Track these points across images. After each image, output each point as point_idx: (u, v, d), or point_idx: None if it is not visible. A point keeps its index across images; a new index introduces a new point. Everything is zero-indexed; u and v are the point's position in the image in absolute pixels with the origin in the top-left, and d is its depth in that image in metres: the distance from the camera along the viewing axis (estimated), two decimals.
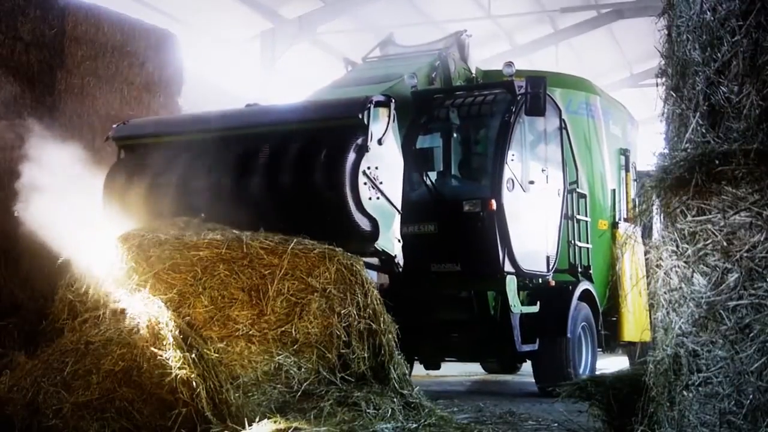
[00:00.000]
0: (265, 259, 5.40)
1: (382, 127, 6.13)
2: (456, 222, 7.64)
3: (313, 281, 5.31)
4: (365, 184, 5.88)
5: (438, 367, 9.24)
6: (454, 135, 8.03)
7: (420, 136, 8.15)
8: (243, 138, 6.37)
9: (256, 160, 6.16)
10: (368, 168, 5.91)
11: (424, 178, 7.62)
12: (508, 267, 7.65)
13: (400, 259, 6.22)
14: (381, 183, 6.03)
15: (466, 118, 8.12)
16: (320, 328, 5.26)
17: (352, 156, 5.85)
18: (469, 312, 8.12)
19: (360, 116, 5.95)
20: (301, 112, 6.60)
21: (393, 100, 6.28)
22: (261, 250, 5.43)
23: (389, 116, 6.21)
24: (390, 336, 5.43)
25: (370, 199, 5.92)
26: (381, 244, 5.99)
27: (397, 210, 6.21)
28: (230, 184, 6.17)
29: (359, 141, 5.91)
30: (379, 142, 6.05)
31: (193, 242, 5.54)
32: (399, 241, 6.23)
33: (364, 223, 5.87)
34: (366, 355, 5.32)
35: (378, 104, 6.13)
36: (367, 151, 5.90)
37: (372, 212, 5.91)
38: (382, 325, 5.39)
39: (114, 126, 7.05)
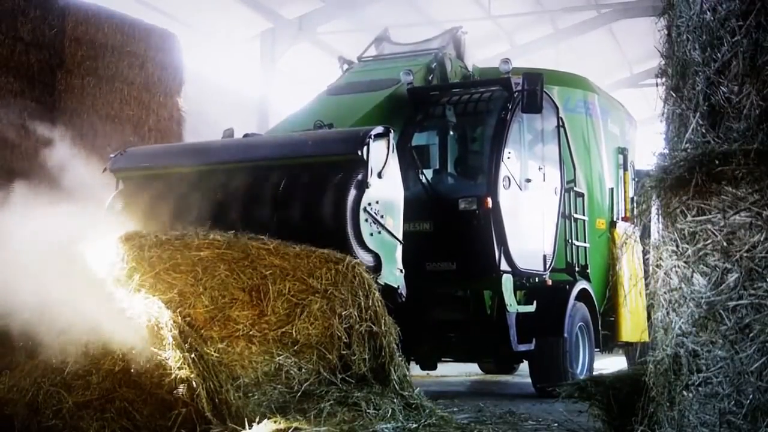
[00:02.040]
0: (266, 260, 5.39)
1: (382, 160, 6.05)
2: (451, 220, 7.58)
3: (315, 282, 5.30)
4: (366, 220, 5.83)
5: (434, 368, 9.16)
6: (450, 132, 8.01)
7: (416, 134, 8.11)
8: (242, 172, 6.29)
9: (256, 195, 6.09)
10: (369, 204, 5.85)
11: (420, 175, 7.57)
12: (504, 266, 7.60)
13: (402, 290, 6.15)
14: (382, 217, 5.97)
15: (463, 115, 8.08)
16: (321, 329, 5.25)
17: (352, 193, 5.80)
18: (465, 311, 8.10)
19: (359, 153, 5.88)
20: (300, 147, 6.44)
21: (391, 131, 6.22)
22: (262, 250, 5.43)
23: (388, 147, 6.13)
24: (391, 338, 5.42)
25: (371, 234, 5.87)
26: (383, 278, 5.92)
27: (399, 241, 6.15)
28: (229, 219, 6.06)
29: (359, 177, 5.85)
30: (379, 175, 5.98)
31: (194, 242, 5.54)
32: (401, 271, 6.16)
33: (367, 259, 5.81)
34: (367, 356, 5.30)
35: (377, 136, 6.05)
36: (368, 188, 5.84)
37: (374, 248, 5.86)
38: (383, 327, 5.37)
39: (111, 156, 6.88)
